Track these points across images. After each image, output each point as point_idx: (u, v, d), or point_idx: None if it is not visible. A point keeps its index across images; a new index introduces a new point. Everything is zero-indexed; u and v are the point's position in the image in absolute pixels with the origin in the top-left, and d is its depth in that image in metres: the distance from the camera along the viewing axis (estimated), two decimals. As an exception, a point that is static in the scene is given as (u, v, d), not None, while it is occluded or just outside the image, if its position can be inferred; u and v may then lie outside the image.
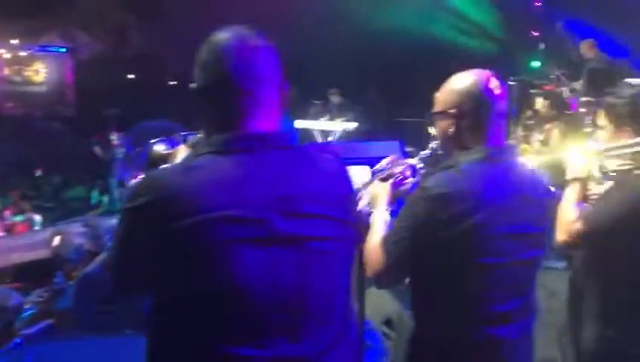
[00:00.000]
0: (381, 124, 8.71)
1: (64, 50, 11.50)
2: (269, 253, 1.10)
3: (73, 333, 3.88)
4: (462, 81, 1.59)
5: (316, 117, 9.41)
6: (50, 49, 11.56)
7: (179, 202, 1.07)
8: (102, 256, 3.38)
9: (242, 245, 1.08)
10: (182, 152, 1.74)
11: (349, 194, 1.30)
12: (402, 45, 9.03)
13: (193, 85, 1.22)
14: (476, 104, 1.55)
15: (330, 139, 8.73)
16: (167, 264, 1.10)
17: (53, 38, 11.39)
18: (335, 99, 9.74)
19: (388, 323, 3.04)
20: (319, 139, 8.79)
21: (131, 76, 11.86)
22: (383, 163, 1.92)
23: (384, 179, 1.88)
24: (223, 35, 1.20)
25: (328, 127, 8.82)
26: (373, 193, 1.86)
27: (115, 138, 8.09)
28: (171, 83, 11.84)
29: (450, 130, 1.59)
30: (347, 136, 8.62)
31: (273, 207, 1.11)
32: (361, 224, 1.49)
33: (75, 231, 5.55)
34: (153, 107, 9.97)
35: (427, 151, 1.84)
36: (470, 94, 1.56)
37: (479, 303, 1.51)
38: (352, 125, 8.67)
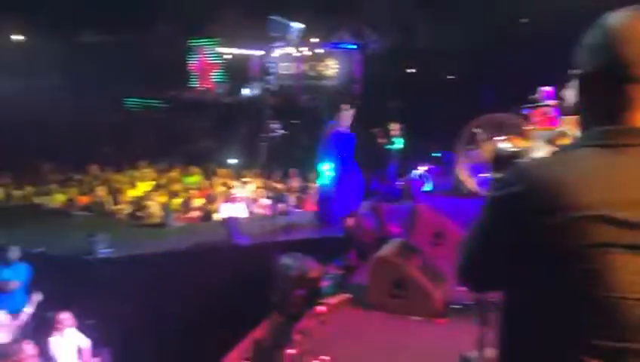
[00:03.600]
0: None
1: (355, 46, 12.51)
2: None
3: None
4: None
5: None
6: (343, 46, 12.69)
7: (553, 195, 1.01)
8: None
9: (617, 250, 0.99)
10: (539, 148, 1.66)
11: None
12: None
13: (577, 71, 1.13)
14: None
15: None
16: (531, 259, 1.03)
17: (344, 35, 12.45)
18: None
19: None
20: None
21: (411, 70, 12.28)
22: None
23: None
24: (617, 18, 1.10)
25: None
26: None
27: (394, 128, 8.49)
28: (449, 77, 11.93)
29: None
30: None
31: None
32: None
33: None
34: (430, 100, 10.21)
35: None
36: None
37: None
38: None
